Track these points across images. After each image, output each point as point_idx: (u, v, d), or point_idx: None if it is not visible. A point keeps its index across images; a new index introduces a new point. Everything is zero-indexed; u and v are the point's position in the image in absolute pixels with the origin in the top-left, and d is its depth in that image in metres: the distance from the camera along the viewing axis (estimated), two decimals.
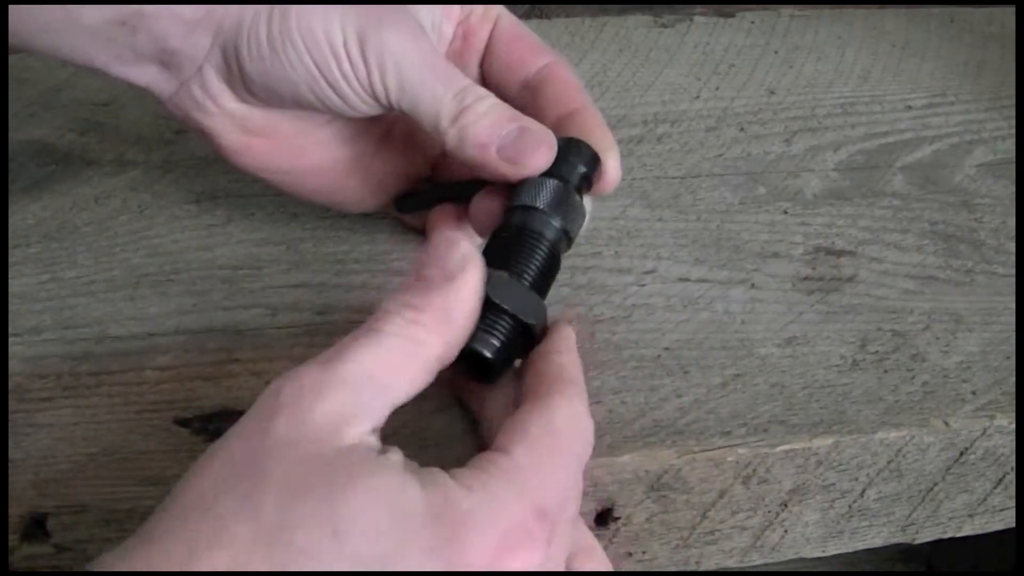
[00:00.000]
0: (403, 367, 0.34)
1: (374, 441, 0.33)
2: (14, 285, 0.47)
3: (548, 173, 0.42)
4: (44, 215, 0.51)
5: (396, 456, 0.33)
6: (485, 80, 0.47)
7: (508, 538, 0.32)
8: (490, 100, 0.42)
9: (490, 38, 0.47)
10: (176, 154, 0.55)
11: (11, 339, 0.45)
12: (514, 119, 0.42)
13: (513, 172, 0.42)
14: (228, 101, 0.44)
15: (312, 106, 0.43)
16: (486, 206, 0.43)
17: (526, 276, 0.40)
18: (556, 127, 0.43)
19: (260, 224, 0.51)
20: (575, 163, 0.42)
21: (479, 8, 0.47)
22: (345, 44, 0.41)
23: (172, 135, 0.57)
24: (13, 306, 0.46)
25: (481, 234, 0.44)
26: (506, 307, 0.38)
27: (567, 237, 0.42)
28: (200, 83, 0.43)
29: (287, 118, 0.45)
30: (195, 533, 0.30)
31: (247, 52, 0.42)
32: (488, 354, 0.38)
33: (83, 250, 0.49)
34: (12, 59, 0.61)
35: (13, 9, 0.40)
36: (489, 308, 0.38)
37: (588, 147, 0.43)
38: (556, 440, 0.35)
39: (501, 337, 0.38)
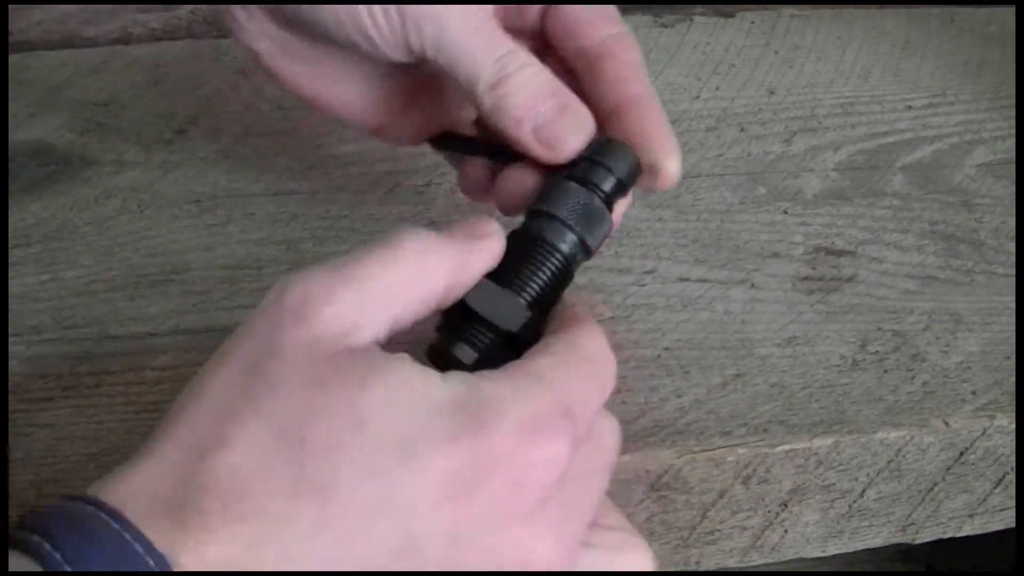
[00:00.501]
0: (412, 285, 0.33)
1: (379, 350, 0.32)
2: (14, 285, 0.47)
3: (580, 177, 0.39)
4: (44, 215, 0.51)
5: (406, 356, 0.32)
6: (542, 33, 0.43)
7: (532, 425, 0.30)
8: (532, 70, 0.39)
9: (552, 5, 0.43)
10: (176, 154, 0.55)
11: (11, 339, 0.45)
12: (555, 94, 0.40)
13: (545, 154, 0.39)
14: (269, 27, 0.42)
15: (341, 42, 0.41)
16: (514, 183, 0.41)
17: (527, 291, 0.38)
18: (611, 116, 0.40)
19: (260, 224, 0.51)
20: (611, 171, 0.40)
21: None
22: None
23: (172, 135, 0.57)
24: (13, 306, 0.46)
25: (502, 209, 0.42)
26: (482, 315, 0.36)
27: (585, 250, 0.40)
28: (243, 6, 0.42)
29: (328, 49, 0.43)
30: (204, 436, 0.29)
31: None
32: (467, 361, 0.36)
33: (83, 250, 0.49)
34: (12, 59, 0.61)
35: None
36: (468, 316, 0.36)
37: (631, 154, 0.40)
38: (580, 358, 0.34)
39: (480, 346, 0.36)
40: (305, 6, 0.40)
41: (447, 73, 0.40)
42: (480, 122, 0.45)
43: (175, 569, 0.27)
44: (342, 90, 0.44)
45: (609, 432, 0.35)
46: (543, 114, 0.39)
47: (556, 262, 0.38)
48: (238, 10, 0.42)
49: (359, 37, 0.40)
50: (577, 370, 0.33)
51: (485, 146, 0.44)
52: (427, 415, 0.30)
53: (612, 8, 0.43)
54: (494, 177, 0.43)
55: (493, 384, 0.31)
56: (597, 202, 0.39)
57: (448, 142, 0.46)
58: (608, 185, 0.40)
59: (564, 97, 0.40)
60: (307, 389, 0.30)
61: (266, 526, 0.28)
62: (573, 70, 0.42)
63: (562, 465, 0.31)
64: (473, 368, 0.35)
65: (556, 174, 0.40)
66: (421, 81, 0.45)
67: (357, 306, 0.32)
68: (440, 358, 0.37)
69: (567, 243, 0.39)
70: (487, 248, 0.36)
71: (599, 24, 0.42)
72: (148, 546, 0.27)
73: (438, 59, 0.40)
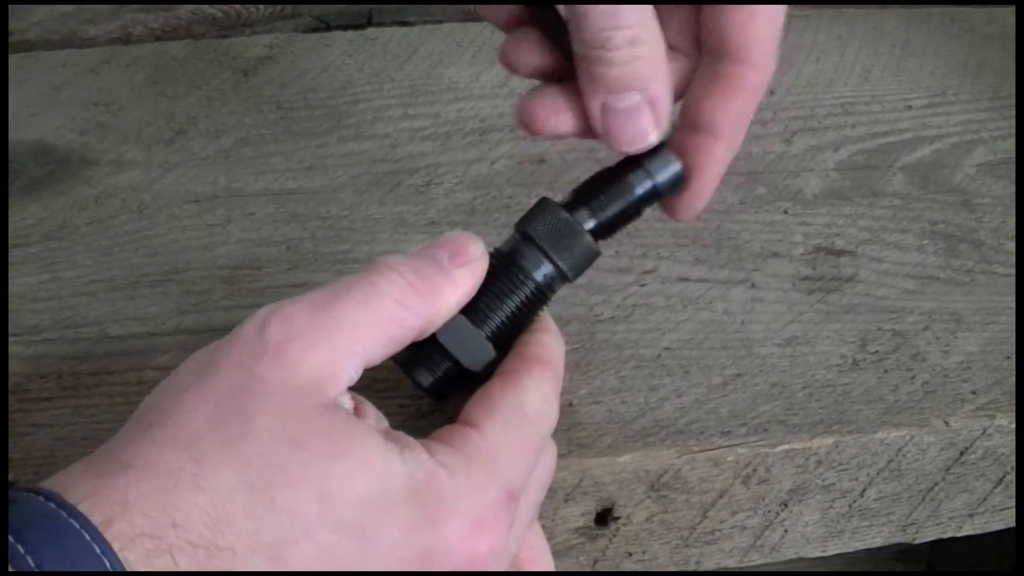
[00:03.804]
0: (387, 331, 0.34)
1: (347, 401, 0.34)
2: (14, 285, 0.47)
3: (612, 170, 0.39)
4: (44, 215, 0.51)
5: (371, 419, 0.34)
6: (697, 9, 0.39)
7: (481, 521, 0.33)
8: (652, 54, 0.36)
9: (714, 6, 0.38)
10: (176, 154, 0.55)
11: (11, 339, 0.45)
12: (649, 85, 0.37)
13: (599, 130, 0.37)
14: None
15: None
16: (547, 102, 0.38)
17: (495, 328, 0.38)
18: (693, 128, 0.39)
19: (260, 224, 0.51)
20: (651, 175, 0.39)
21: None
22: None
23: (172, 135, 0.57)
24: (13, 306, 0.46)
25: (524, 73, 0.39)
26: (449, 350, 0.37)
27: (563, 277, 0.39)
28: None
29: None
30: (177, 471, 0.30)
31: None
32: (424, 384, 0.38)
33: (83, 250, 0.49)
34: (12, 59, 0.61)
35: None
36: (435, 344, 0.37)
37: (678, 164, 0.39)
38: (524, 419, 0.36)
39: (439, 373, 0.38)
40: None
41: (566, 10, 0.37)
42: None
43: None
44: None
45: (547, 468, 0.38)
46: (625, 100, 0.37)
47: (528, 292, 0.38)
48: None
49: None
50: (520, 440, 0.35)
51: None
52: (385, 502, 0.32)
53: (773, 36, 0.40)
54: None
55: (449, 477, 0.33)
56: (577, 226, 0.38)
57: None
58: (643, 188, 0.39)
59: (659, 96, 0.37)
60: (281, 445, 0.31)
61: (219, 567, 0.29)
62: (693, 63, 0.39)
63: (501, 545, 0.34)
64: (430, 389, 0.38)
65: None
66: None
67: (336, 355, 0.33)
68: (402, 368, 0.38)
69: (541, 272, 0.38)
70: (466, 280, 0.37)
71: (743, 45, 0.38)
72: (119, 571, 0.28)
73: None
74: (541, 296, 0.39)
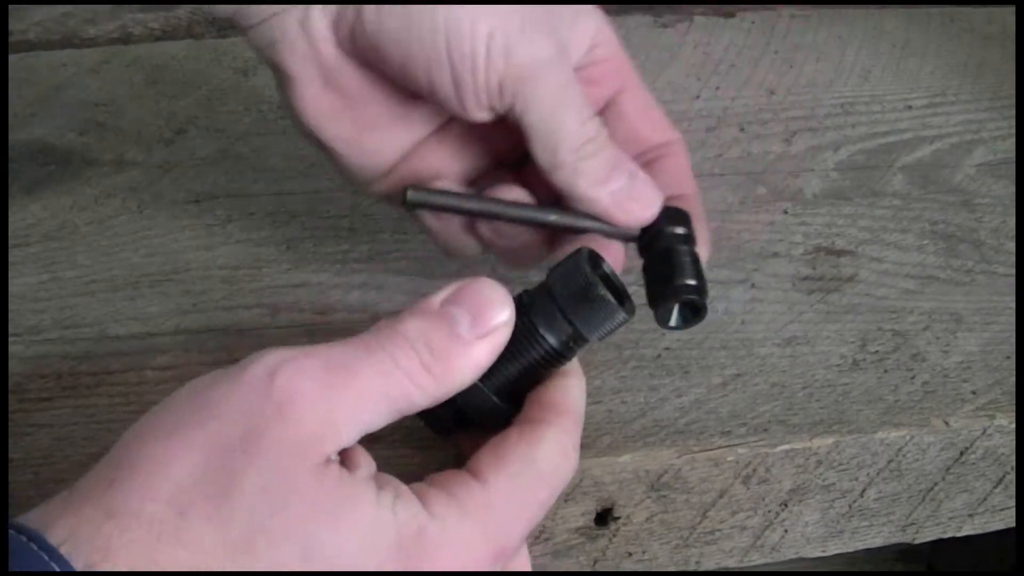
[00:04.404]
0: (394, 405, 0.34)
1: (336, 458, 0.33)
2: (14, 285, 0.47)
3: (648, 233, 0.42)
4: (44, 215, 0.51)
5: (366, 472, 0.33)
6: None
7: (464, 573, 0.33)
8: (610, 139, 0.41)
9: (616, 99, 0.45)
10: (176, 154, 0.55)
11: (11, 339, 0.45)
12: (628, 164, 0.42)
13: (622, 218, 0.41)
14: (326, 47, 0.40)
15: (415, 86, 0.41)
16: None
17: (497, 375, 0.37)
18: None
19: (260, 224, 0.51)
20: (674, 227, 0.42)
21: (610, 56, 0.44)
22: (489, 50, 0.39)
23: (172, 135, 0.57)
24: (13, 306, 0.46)
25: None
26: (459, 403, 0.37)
27: (579, 339, 0.37)
28: (301, 19, 0.40)
29: (375, 86, 0.42)
30: (160, 523, 0.30)
31: (375, 12, 0.39)
32: (421, 416, 0.37)
33: (83, 250, 0.49)
34: (12, 59, 0.61)
35: None
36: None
37: (683, 212, 0.43)
38: (535, 478, 0.35)
39: (433, 410, 0.36)
40: (401, 40, 0.39)
41: (523, 130, 0.40)
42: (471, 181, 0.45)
43: None
44: (363, 136, 0.43)
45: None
46: (618, 179, 0.41)
47: (542, 353, 0.37)
48: (293, 24, 0.40)
49: (448, 86, 0.40)
50: (526, 500, 0.35)
51: (475, 200, 0.43)
52: (372, 556, 0.31)
53: (662, 113, 0.45)
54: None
55: (440, 529, 0.33)
56: (599, 290, 0.37)
57: (424, 198, 0.43)
58: (669, 238, 0.42)
59: (634, 167, 0.42)
60: (266, 503, 0.31)
61: None
62: None
63: None
64: (426, 420, 0.38)
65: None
66: (438, 132, 0.44)
67: (339, 419, 0.33)
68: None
69: (557, 335, 0.37)
70: (484, 353, 0.35)
71: (659, 133, 0.45)
72: None
73: (523, 118, 0.40)
74: (557, 357, 0.37)
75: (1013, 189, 0.57)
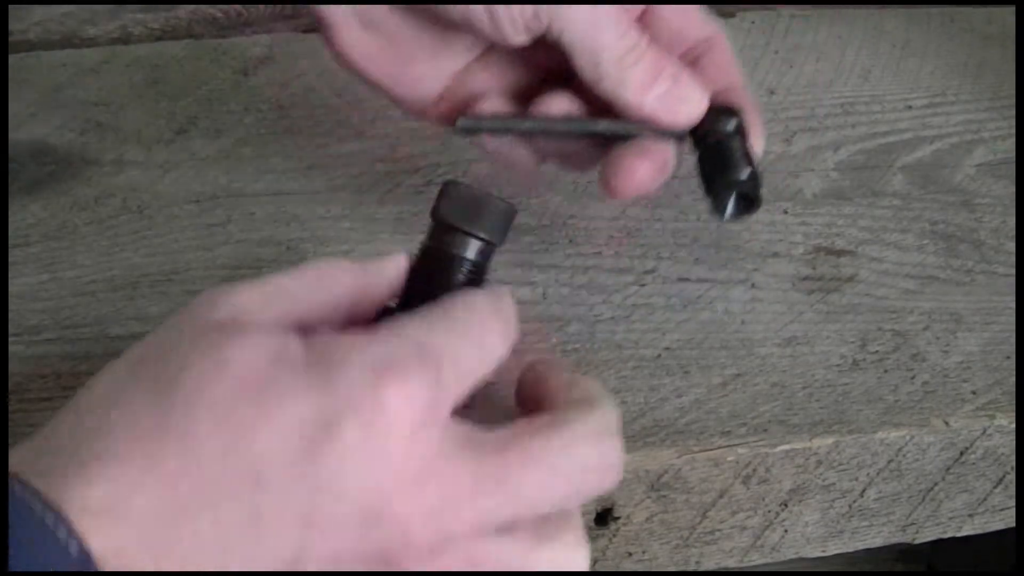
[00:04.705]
0: (311, 291, 0.34)
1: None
2: (14, 285, 0.47)
3: (699, 130, 0.43)
4: (44, 215, 0.51)
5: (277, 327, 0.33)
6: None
7: (379, 367, 0.30)
8: (651, 44, 0.43)
9: (650, 5, 0.46)
10: (176, 154, 0.55)
11: (11, 339, 0.45)
12: (671, 66, 0.43)
13: (667, 119, 0.43)
14: None
15: (449, 20, 0.42)
16: (626, 170, 0.43)
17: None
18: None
19: (260, 224, 0.51)
20: (725, 122, 0.43)
21: None
22: None
23: (172, 135, 0.57)
24: (13, 306, 0.46)
25: (618, 194, 0.44)
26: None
27: (488, 245, 0.39)
28: None
29: (411, 22, 0.44)
30: (86, 403, 0.31)
31: None
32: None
33: (83, 250, 0.49)
34: (12, 59, 0.61)
35: None
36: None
37: (731, 106, 0.44)
38: (448, 310, 0.34)
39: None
40: None
41: (564, 49, 0.42)
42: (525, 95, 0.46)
43: (62, 510, 0.28)
44: (408, 69, 0.45)
45: (586, 440, 0.33)
46: (662, 83, 0.42)
47: (465, 273, 0.38)
48: None
49: (485, 21, 0.41)
50: (444, 326, 0.33)
51: (536, 122, 0.45)
52: (281, 364, 0.30)
53: (700, 10, 0.46)
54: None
55: (349, 337, 0.31)
56: (482, 194, 0.39)
57: (477, 123, 0.45)
58: (724, 130, 0.44)
59: (677, 67, 0.43)
60: (181, 353, 0.31)
61: (135, 468, 0.29)
62: None
63: (419, 404, 0.30)
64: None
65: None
66: (482, 55, 0.46)
67: (250, 298, 0.33)
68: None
69: (473, 250, 0.39)
70: (387, 265, 0.37)
71: (698, 29, 0.46)
72: (35, 492, 0.28)
73: (562, 37, 0.42)
74: (479, 272, 0.39)
75: (1013, 189, 0.57)
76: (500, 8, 0.41)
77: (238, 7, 0.68)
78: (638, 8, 0.45)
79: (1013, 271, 0.52)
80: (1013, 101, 0.64)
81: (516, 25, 0.41)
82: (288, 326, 0.33)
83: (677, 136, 0.44)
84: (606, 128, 0.44)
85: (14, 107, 0.57)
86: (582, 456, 0.32)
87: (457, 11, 0.41)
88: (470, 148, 0.56)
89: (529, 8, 0.41)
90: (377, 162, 0.56)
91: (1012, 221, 0.55)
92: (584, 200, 0.54)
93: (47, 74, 0.60)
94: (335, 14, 0.43)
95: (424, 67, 0.45)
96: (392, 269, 0.37)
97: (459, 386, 0.32)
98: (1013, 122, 0.62)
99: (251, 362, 0.30)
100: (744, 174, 0.43)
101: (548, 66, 0.45)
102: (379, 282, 0.36)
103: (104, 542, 0.28)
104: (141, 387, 0.31)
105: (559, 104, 0.44)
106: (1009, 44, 0.68)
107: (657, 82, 0.42)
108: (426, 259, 0.39)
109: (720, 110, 0.44)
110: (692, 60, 0.45)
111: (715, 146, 0.44)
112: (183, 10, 0.67)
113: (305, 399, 0.30)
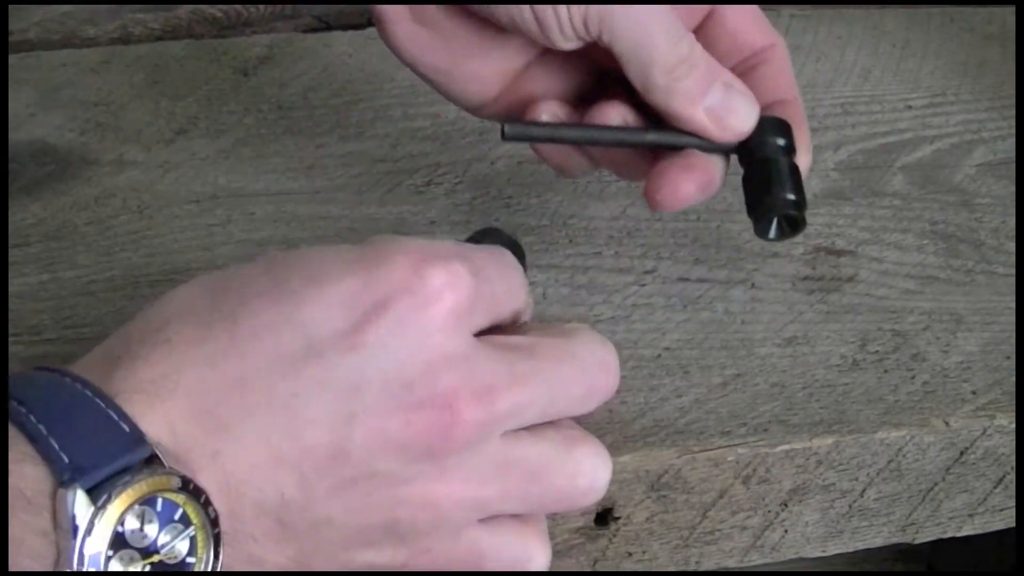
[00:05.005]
0: None
1: None
2: (14, 285, 0.47)
3: (747, 145, 0.42)
4: (44, 215, 0.51)
5: None
6: (700, 36, 0.45)
7: (429, 255, 0.32)
8: (704, 53, 0.42)
9: (717, 9, 0.45)
10: (176, 154, 0.55)
11: (11, 339, 0.45)
12: (723, 76, 0.42)
13: (717, 133, 0.42)
14: None
15: (501, 23, 0.42)
16: (670, 184, 0.42)
17: None
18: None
19: (260, 224, 0.51)
20: (774, 138, 0.42)
21: None
22: None
23: (172, 135, 0.57)
24: (13, 306, 0.46)
25: (661, 205, 0.43)
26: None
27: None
28: None
29: (464, 21, 0.43)
30: (153, 305, 0.33)
31: None
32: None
33: (83, 250, 0.49)
34: (12, 59, 0.61)
35: None
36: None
37: (783, 121, 0.43)
38: (492, 248, 0.36)
39: None
40: None
41: (615, 54, 0.41)
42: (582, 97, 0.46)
43: (113, 393, 0.30)
44: (462, 65, 0.45)
45: (592, 341, 0.36)
46: (714, 94, 0.41)
47: None
48: None
49: (532, 23, 0.41)
50: (479, 252, 0.35)
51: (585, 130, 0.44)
52: (333, 256, 0.33)
53: (765, 17, 0.46)
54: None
55: (400, 236, 0.34)
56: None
57: (522, 131, 0.45)
58: (772, 150, 0.43)
59: (730, 79, 0.42)
60: (240, 266, 0.34)
61: (184, 349, 0.31)
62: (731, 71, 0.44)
63: (460, 292, 0.32)
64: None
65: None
66: (538, 57, 0.46)
67: None
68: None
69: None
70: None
71: (761, 36, 0.45)
72: (85, 382, 0.30)
73: (613, 43, 0.41)
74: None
75: (1013, 189, 0.57)
76: (549, 16, 0.40)
77: (238, 7, 0.68)
78: (699, 13, 0.44)
79: (1013, 271, 0.52)
80: (1013, 101, 0.64)
81: (566, 32, 0.41)
82: None
83: (726, 150, 0.43)
84: (654, 140, 0.43)
85: (14, 107, 0.57)
86: (598, 353, 0.36)
87: (506, 16, 0.41)
88: (470, 148, 0.57)
89: (578, 16, 0.40)
90: (377, 162, 0.56)
91: (1012, 221, 0.55)
92: (584, 200, 0.54)
93: (47, 74, 0.60)
94: (387, 10, 0.43)
95: (477, 65, 0.45)
96: None
97: (492, 302, 0.34)
98: (1013, 122, 0.62)
99: (306, 260, 0.33)
100: (790, 196, 0.42)
101: (608, 67, 0.44)
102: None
103: (155, 419, 0.30)
104: (196, 287, 0.33)
105: (614, 113, 0.43)
106: (1009, 44, 0.68)
107: (708, 94, 0.41)
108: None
109: (771, 125, 0.43)
110: (748, 69, 0.44)
111: (762, 164, 0.42)
112: (183, 10, 0.67)
113: (356, 275, 0.32)
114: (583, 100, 0.45)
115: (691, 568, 0.46)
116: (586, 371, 0.35)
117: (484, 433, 0.32)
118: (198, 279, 0.34)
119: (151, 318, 0.32)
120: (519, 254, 0.45)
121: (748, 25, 0.45)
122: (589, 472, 0.35)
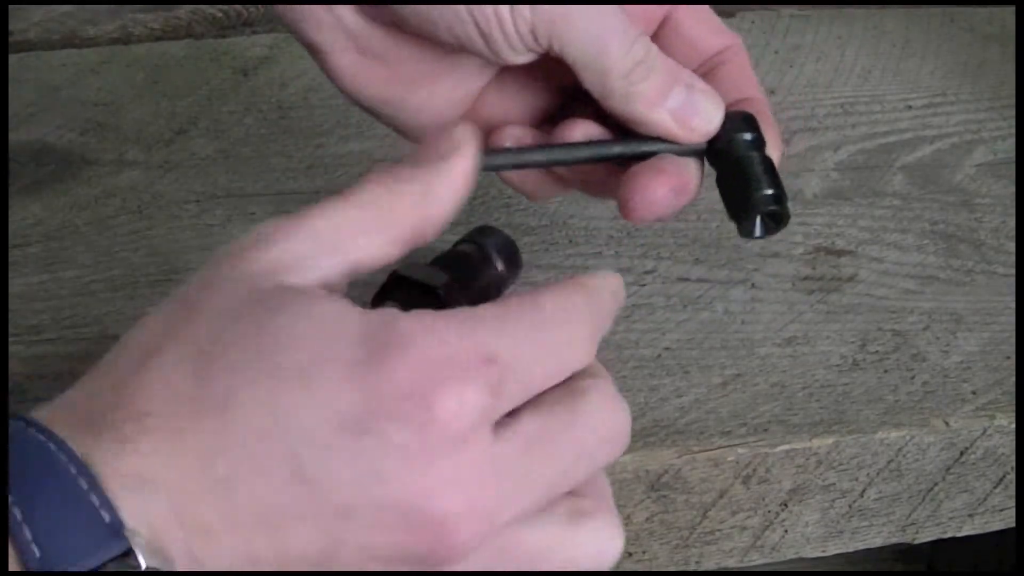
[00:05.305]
0: (369, 231, 0.32)
1: (314, 288, 0.31)
2: (14, 285, 0.47)
3: (716, 144, 0.41)
4: (44, 215, 0.51)
5: (339, 295, 0.31)
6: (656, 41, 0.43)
7: (439, 368, 0.29)
8: (660, 54, 0.40)
9: (673, 13, 0.43)
10: (176, 154, 0.55)
11: (11, 339, 0.45)
12: (683, 77, 0.40)
13: (684, 135, 0.40)
14: (347, 15, 0.40)
15: (445, 42, 0.39)
16: (641, 191, 0.40)
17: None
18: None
19: (260, 224, 0.51)
20: (741, 134, 0.41)
21: None
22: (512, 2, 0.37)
23: (172, 135, 0.57)
24: (13, 306, 0.46)
25: (636, 217, 0.41)
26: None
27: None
28: None
29: (409, 44, 0.41)
30: (125, 363, 0.30)
31: None
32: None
33: (83, 250, 0.49)
34: (12, 59, 0.61)
35: None
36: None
37: (749, 115, 0.42)
38: (535, 310, 0.31)
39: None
40: (420, 6, 0.38)
41: (571, 65, 0.39)
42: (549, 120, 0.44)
43: (96, 474, 0.28)
44: (413, 95, 0.42)
45: (602, 410, 0.32)
46: (676, 96, 0.40)
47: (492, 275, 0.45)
48: (322, 8, 0.40)
49: (477, 37, 0.38)
50: (519, 321, 0.31)
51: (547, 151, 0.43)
52: (332, 343, 0.29)
53: (718, 17, 0.44)
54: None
55: (413, 318, 0.30)
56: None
57: (495, 159, 0.44)
58: (742, 146, 0.41)
59: (691, 79, 0.40)
60: (226, 317, 0.30)
61: (171, 441, 0.29)
62: None
63: (472, 415, 0.29)
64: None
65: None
66: (495, 79, 0.44)
67: (302, 246, 0.31)
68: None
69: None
70: (456, 166, 0.34)
71: (717, 38, 0.43)
72: (71, 454, 0.28)
73: (565, 52, 0.39)
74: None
75: (1013, 189, 0.57)
76: (494, 28, 0.38)
77: (238, 7, 0.67)
78: (654, 21, 0.43)
79: (1013, 271, 0.52)
80: (1013, 101, 0.64)
81: (513, 44, 0.38)
82: (343, 277, 0.32)
83: (696, 153, 0.41)
84: (622, 151, 0.41)
85: (14, 107, 0.57)
86: (609, 428, 0.32)
87: (449, 34, 0.38)
88: None
89: (525, 26, 0.38)
90: (377, 162, 0.56)
91: (1012, 221, 0.55)
92: (584, 200, 0.54)
93: (47, 74, 0.60)
94: (327, 41, 0.41)
95: (428, 93, 0.42)
96: (462, 172, 0.34)
97: (522, 395, 0.31)
98: (1013, 122, 0.62)
99: (301, 337, 0.29)
100: (768, 192, 0.41)
101: (568, 83, 0.42)
102: (446, 196, 0.34)
103: (135, 512, 0.28)
104: (180, 347, 0.30)
105: (579, 131, 0.41)
106: (1009, 44, 0.68)
107: (669, 97, 0.40)
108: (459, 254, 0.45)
109: (737, 122, 0.42)
110: (708, 72, 0.43)
111: (735, 163, 0.41)
112: (183, 10, 0.67)
113: (355, 390, 0.28)
114: (549, 120, 0.44)
115: (691, 568, 0.46)
116: (595, 458, 0.32)
117: (483, 539, 0.30)
118: (173, 314, 0.31)
119: (134, 385, 0.30)
120: (514, 254, 0.46)
121: (703, 29, 0.43)
122: (594, 555, 0.32)
